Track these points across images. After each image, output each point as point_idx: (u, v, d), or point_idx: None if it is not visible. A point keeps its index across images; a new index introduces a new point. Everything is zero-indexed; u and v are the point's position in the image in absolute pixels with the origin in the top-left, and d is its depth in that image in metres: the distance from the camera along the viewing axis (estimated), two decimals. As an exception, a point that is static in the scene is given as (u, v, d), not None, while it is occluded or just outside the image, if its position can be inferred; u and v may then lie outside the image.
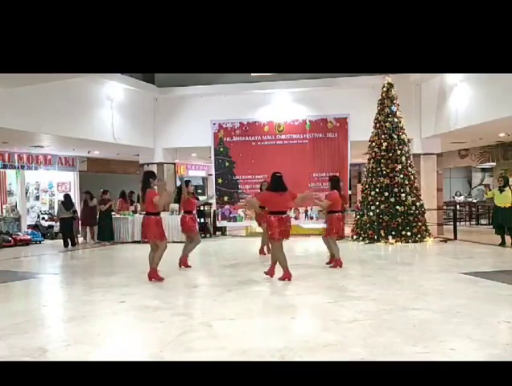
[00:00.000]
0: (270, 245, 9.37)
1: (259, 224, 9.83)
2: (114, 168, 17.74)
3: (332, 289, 6.11)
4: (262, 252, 9.48)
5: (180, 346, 3.89)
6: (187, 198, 8.35)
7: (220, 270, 8.19)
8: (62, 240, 12.34)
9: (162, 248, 6.87)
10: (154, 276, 6.80)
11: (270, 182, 6.92)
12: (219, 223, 13.95)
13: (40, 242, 13.40)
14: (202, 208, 13.98)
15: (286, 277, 6.62)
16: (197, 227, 8.52)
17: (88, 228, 13.13)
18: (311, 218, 13.09)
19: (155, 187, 7.08)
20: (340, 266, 7.69)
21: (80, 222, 13.27)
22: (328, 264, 7.94)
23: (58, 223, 13.43)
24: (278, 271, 6.83)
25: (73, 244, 12.31)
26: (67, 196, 12.97)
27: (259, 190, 9.62)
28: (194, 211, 8.56)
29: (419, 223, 11.31)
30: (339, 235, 7.95)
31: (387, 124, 11.55)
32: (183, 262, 8.17)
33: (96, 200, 13.03)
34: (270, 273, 6.88)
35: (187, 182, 8.56)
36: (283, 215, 6.63)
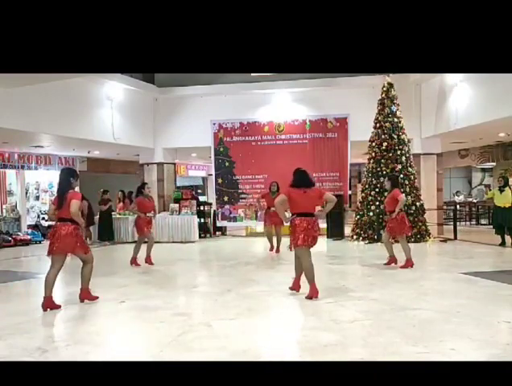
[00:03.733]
0: (275, 244, 9.44)
1: (265, 223, 9.85)
2: (114, 168, 17.73)
3: (332, 289, 6.11)
4: (277, 250, 9.53)
5: (180, 346, 3.89)
6: (141, 200, 8.44)
7: (220, 270, 8.19)
8: None
9: (90, 260, 5.59)
10: (86, 295, 5.63)
11: (292, 178, 5.74)
12: (219, 223, 13.96)
13: (40, 242, 13.40)
14: (202, 208, 14.00)
15: (313, 294, 5.49)
16: (148, 228, 8.49)
17: (86, 229, 13.15)
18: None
19: (77, 189, 5.82)
20: (412, 267, 7.45)
21: None
22: (386, 264, 7.75)
23: None
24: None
25: None
26: None
27: (268, 191, 9.64)
28: (148, 214, 8.54)
29: (419, 223, 11.30)
30: (407, 232, 7.78)
31: (387, 124, 11.54)
32: (148, 260, 8.48)
33: (86, 202, 13.02)
34: (295, 286, 5.92)
35: (144, 185, 8.79)
36: (311, 218, 5.57)
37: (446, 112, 11.82)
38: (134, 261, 8.44)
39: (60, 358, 3.65)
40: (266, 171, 12.64)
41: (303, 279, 5.76)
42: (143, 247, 8.49)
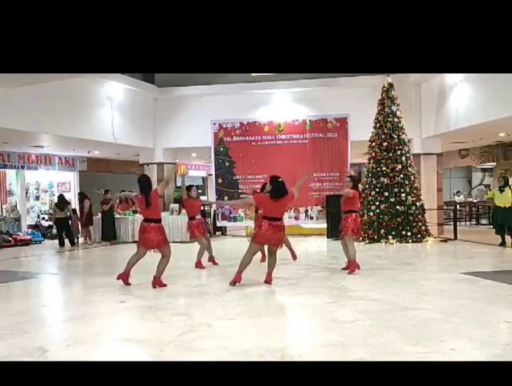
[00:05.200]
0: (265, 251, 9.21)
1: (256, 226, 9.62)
2: (114, 168, 17.74)
3: (332, 289, 6.11)
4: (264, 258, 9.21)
5: (180, 346, 3.89)
6: (189, 201, 8.22)
7: (221, 270, 8.19)
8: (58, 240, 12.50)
9: (169, 254, 6.55)
10: (159, 283, 6.48)
11: (271, 188, 6.30)
12: (219, 223, 13.96)
13: (40, 242, 13.42)
14: (202, 208, 14.00)
15: (236, 279, 6.33)
16: (202, 230, 8.26)
17: (85, 229, 13.21)
18: (312, 218, 13.10)
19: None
20: (358, 268, 7.18)
21: (79, 222, 13.33)
22: (344, 269, 7.39)
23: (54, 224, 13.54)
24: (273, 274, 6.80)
25: (72, 243, 12.35)
26: (60, 196, 13.09)
27: (259, 191, 9.41)
28: (198, 216, 8.32)
29: (419, 223, 11.31)
30: (356, 234, 7.52)
31: (387, 124, 11.55)
32: (198, 264, 8.21)
33: (88, 201, 13.11)
34: (268, 278, 6.50)
35: (190, 187, 8.35)
36: (277, 222, 6.21)
37: (446, 112, 11.83)
38: (198, 264, 8.17)
39: (60, 358, 3.64)
40: (266, 171, 12.60)
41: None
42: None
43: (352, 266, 7.21)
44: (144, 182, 6.48)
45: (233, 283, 6.33)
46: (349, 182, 7.55)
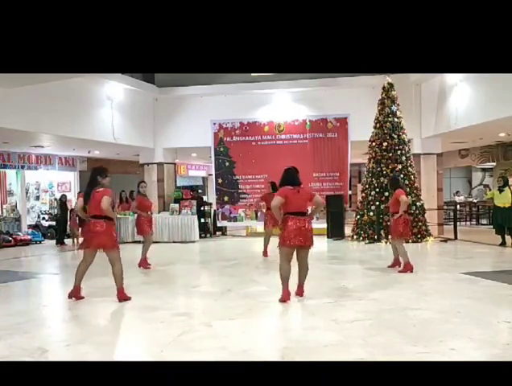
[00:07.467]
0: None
1: (266, 225, 9.43)
2: (114, 168, 17.72)
3: (332, 289, 6.11)
4: (266, 253, 9.25)
5: (180, 346, 3.89)
6: (139, 197, 8.34)
7: (220, 270, 8.19)
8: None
9: (118, 258, 5.69)
10: (123, 295, 5.62)
11: (282, 177, 5.56)
12: (219, 223, 13.97)
13: (40, 242, 13.44)
14: (202, 208, 14.01)
15: (284, 298, 5.32)
16: (151, 226, 8.45)
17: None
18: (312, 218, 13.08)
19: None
20: (411, 271, 7.08)
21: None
22: (390, 267, 7.48)
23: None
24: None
25: (57, 242, 12.82)
26: (61, 196, 13.65)
27: (269, 191, 9.11)
28: (149, 212, 8.50)
29: (420, 223, 11.31)
30: (405, 236, 7.48)
31: (387, 124, 11.55)
32: (142, 263, 8.20)
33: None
34: (299, 292, 5.64)
35: (140, 183, 8.64)
36: (303, 217, 5.37)
37: (446, 112, 11.83)
38: (142, 264, 8.18)
39: (60, 358, 3.65)
40: (266, 171, 12.64)
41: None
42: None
43: (406, 267, 7.16)
44: (90, 177, 5.66)
45: (282, 301, 5.32)
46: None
